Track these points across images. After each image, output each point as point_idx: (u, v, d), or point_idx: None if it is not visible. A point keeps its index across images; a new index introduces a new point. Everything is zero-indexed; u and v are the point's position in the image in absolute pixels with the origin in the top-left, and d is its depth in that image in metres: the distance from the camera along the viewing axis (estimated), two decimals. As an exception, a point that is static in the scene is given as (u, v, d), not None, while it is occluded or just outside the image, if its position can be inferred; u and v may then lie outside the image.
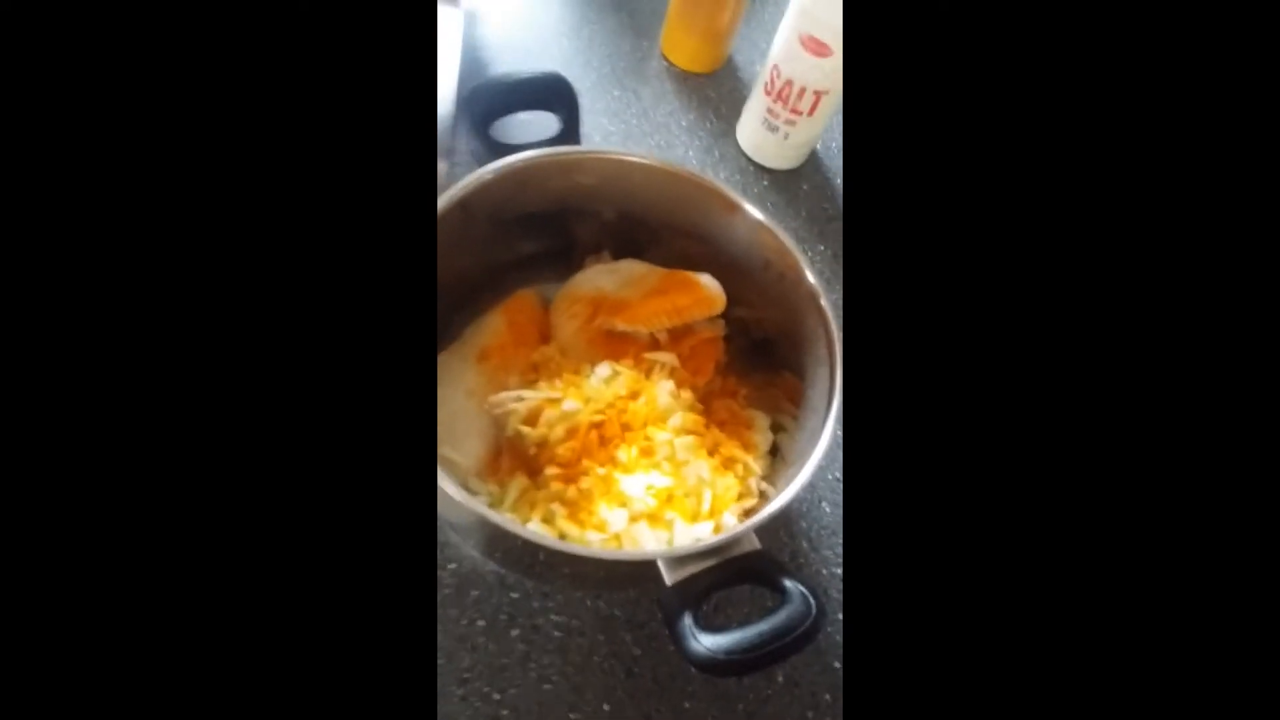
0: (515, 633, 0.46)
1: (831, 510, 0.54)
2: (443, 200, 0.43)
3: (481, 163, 0.45)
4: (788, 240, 0.47)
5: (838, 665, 0.49)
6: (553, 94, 0.49)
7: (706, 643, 0.35)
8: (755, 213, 0.48)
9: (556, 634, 0.46)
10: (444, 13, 0.60)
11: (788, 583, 0.37)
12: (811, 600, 0.36)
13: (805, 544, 0.53)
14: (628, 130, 0.68)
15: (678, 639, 0.36)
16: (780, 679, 0.48)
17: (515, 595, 0.47)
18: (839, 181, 0.70)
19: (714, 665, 0.34)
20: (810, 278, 0.46)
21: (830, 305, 0.45)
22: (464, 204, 0.44)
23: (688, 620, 0.36)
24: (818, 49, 0.58)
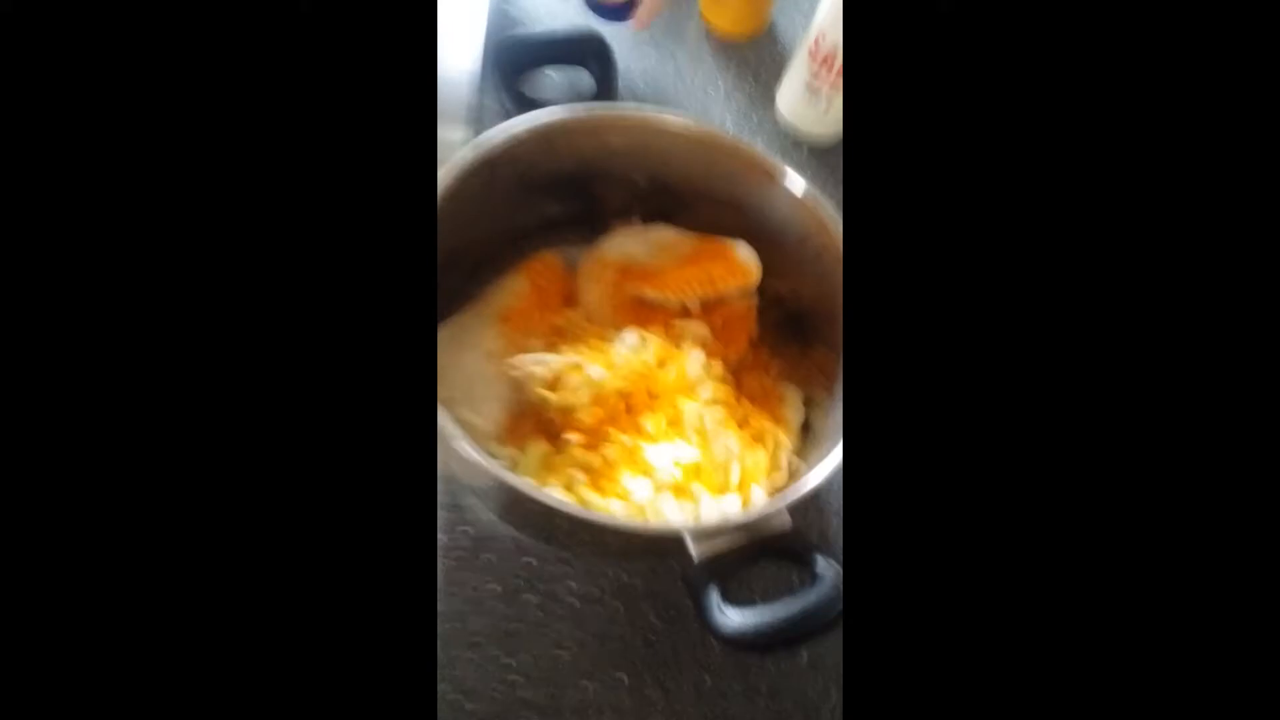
0: (531, 598, 0.45)
1: (860, 490, 0.53)
2: (469, 155, 0.41)
3: (509, 118, 0.44)
4: (831, 213, 0.45)
5: (860, 648, 0.48)
6: (587, 50, 0.47)
7: (735, 618, 0.34)
8: (798, 183, 0.46)
9: (573, 601, 0.45)
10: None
11: (821, 562, 0.36)
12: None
13: (836, 521, 0.51)
14: (662, 93, 0.66)
15: (704, 612, 0.35)
16: (804, 657, 0.47)
17: (532, 560, 0.46)
18: (880, 153, 0.68)
19: (742, 641, 0.34)
20: (850, 249, 0.44)
21: (870, 277, 0.44)
22: (491, 162, 0.43)
23: (714, 595, 0.35)
24: (865, 11, 0.56)
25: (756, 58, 0.70)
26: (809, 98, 0.63)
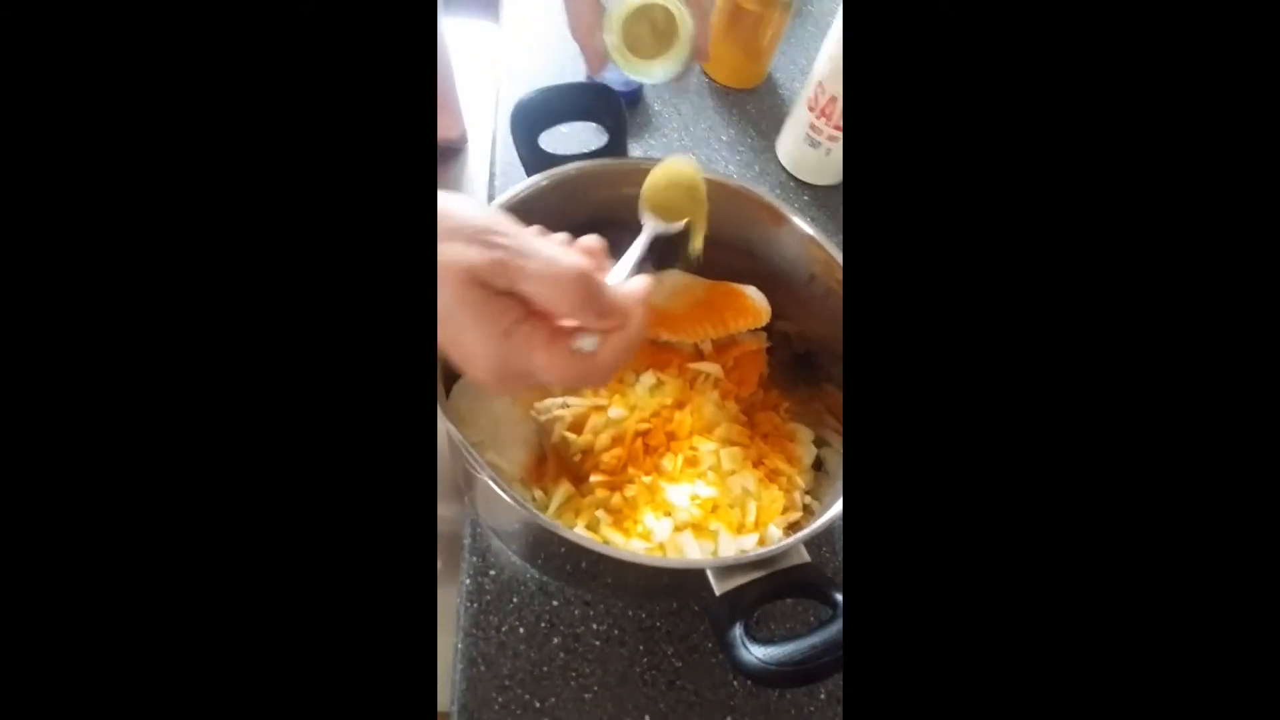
0: (556, 641, 0.46)
1: (873, 526, 0.54)
2: (495, 207, 0.43)
3: (530, 173, 0.46)
4: (836, 253, 0.47)
5: (881, 684, 0.48)
6: (600, 104, 0.49)
7: (758, 653, 0.35)
8: (803, 225, 0.48)
9: (597, 643, 0.46)
10: (485, 29, 0.61)
11: (839, 596, 0.37)
12: (863, 613, 0.36)
13: (847, 559, 0.52)
14: (669, 145, 0.68)
15: (727, 648, 0.35)
16: (823, 695, 0.47)
17: (556, 603, 0.47)
18: (878, 197, 0.70)
19: (768, 676, 0.34)
20: (858, 290, 0.46)
21: (878, 317, 0.45)
22: (514, 212, 0.44)
23: (738, 630, 0.36)
24: (862, 65, 0.58)
25: (757, 109, 0.73)
26: (808, 146, 0.66)
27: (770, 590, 0.37)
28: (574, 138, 0.58)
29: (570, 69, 0.70)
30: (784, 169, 0.69)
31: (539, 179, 0.45)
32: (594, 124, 0.50)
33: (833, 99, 0.61)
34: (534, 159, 0.46)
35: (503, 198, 0.44)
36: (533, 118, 0.47)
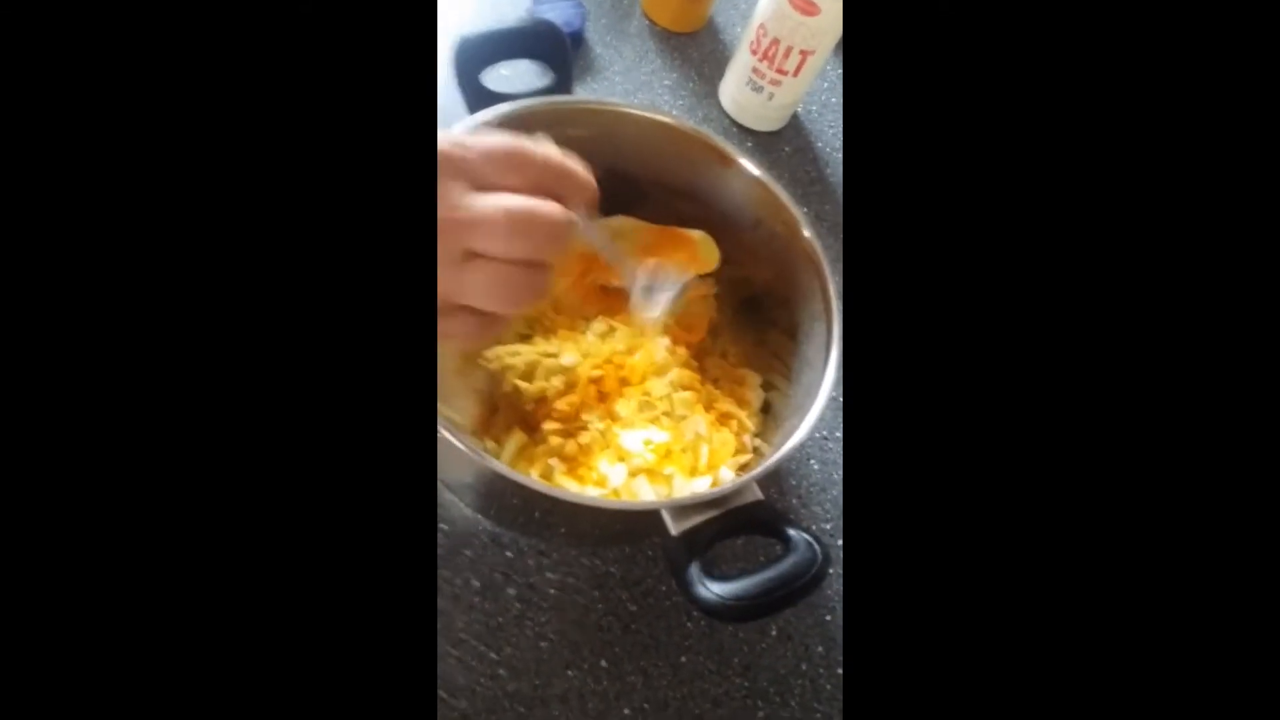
0: (511, 592, 0.45)
1: (820, 468, 0.55)
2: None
3: (473, 111, 0.44)
4: (784, 195, 0.47)
5: (829, 618, 0.49)
6: (545, 43, 0.48)
7: (716, 589, 0.35)
8: (751, 168, 0.48)
9: (553, 592, 0.46)
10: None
11: (792, 531, 0.37)
12: (816, 547, 0.36)
13: (795, 500, 0.53)
14: (611, 89, 0.67)
15: (686, 587, 0.36)
16: (774, 632, 0.48)
17: (510, 554, 0.46)
18: (820, 145, 0.70)
19: (725, 611, 0.35)
20: (806, 233, 0.46)
21: (827, 260, 0.45)
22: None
23: (695, 569, 0.36)
24: (806, 7, 0.58)
25: (699, 53, 0.71)
26: (751, 90, 0.65)
27: (725, 528, 0.38)
28: (517, 79, 0.56)
29: (512, 12, 0.68)
30: (727, 115, 0.69)
31: (480, 117, 0.43)
32: (538, 64, 0.49)
33: (775, 41, 0.61)
34: (477, 98, 0.45)
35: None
36: (476, 55, 0.45)
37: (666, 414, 0.45)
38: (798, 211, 0.47)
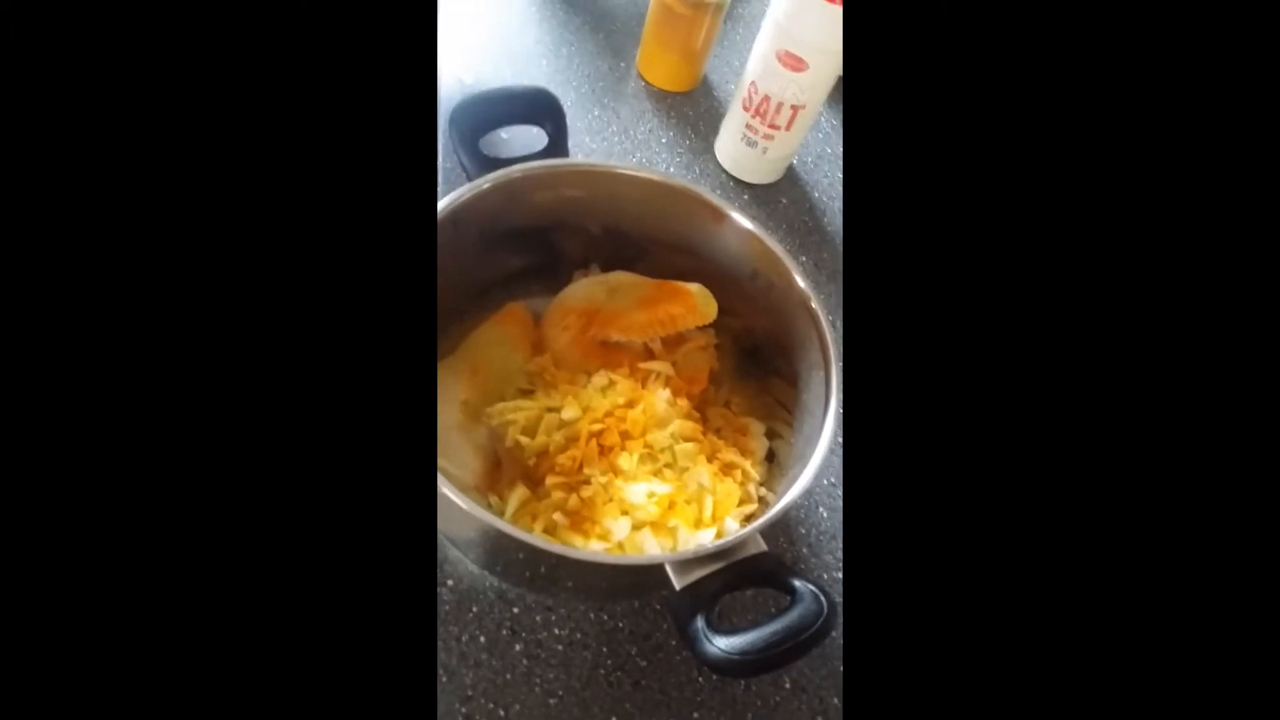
0: (518, 648, 0.45)
1: (829, 515, 0.55)
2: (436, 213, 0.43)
3: (471, 177, 0.45)
4: (777, 248, 0.48)
5: (844, 669, 0.49)
6: (540, 108, 0.49)
7: (720, 644, 0.35)
8: (744, 222, 0.49)
9: (560, 648, 0.46)
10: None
11: (797, 583, 0.37)
12: (823, 599, 0.36)
13: (805, 549, 0.53)
14: (609, 148, 0.69)
15: (691, 642, 0.36)
16: (787, 684, 0.47)
17: (516, 610, 0.46)
18: (817, 194, 0.71)
19: (730, 666, 0.34)
20: (800, 283, 0.47)
21: (822, 309, 0.46)
22: (455, 218, 0.44)
23: (700, 623, 0.36)
24: (794, 64, 0.60)
25: (694, 111, 0.74)
26: (746, 145, 0.67)
27: (730, 581, 0.38)
28: (514, 142, 0.58)
29: (512, 76, 0.70)
30: (723, 169, 0.70)
31: (481, 182, 0.44)
32: (535, 128, 0.50)
33: (766, 97, 0.63)
34: (476, 163, 0.46)
35: (445, 201, 0.43)
36: (473, 122, 0.46)
37: (669, 465, 0.45)
38: (791, 262, 0.47)
